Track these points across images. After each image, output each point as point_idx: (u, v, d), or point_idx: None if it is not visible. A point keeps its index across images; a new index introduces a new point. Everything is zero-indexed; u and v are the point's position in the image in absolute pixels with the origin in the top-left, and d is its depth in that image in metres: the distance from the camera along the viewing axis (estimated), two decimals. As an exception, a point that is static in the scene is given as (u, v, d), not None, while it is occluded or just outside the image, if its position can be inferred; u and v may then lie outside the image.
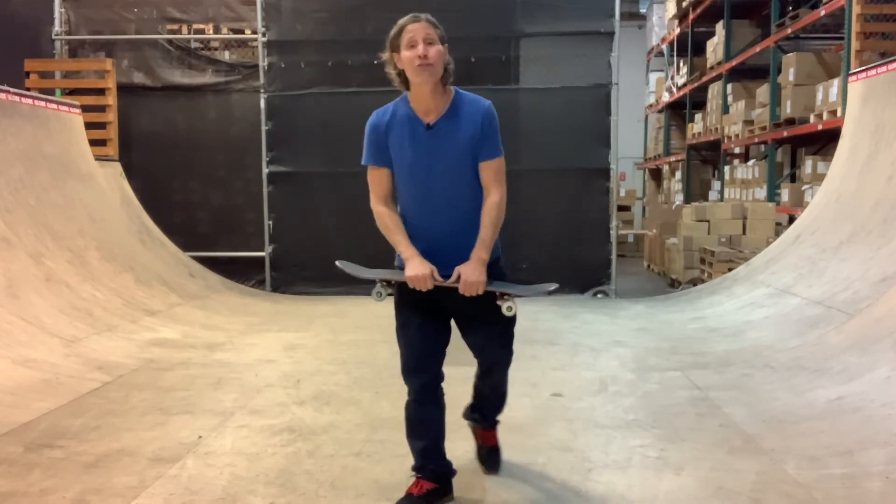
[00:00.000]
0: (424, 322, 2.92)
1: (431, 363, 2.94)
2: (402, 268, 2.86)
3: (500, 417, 3.38)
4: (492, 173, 2.88)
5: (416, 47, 2.73)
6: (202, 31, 9.60)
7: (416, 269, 2.77)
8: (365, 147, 2.92)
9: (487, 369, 3.14)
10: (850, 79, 7.52)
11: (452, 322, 3.03)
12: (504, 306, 2.83)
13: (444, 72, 2.82)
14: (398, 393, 4.49)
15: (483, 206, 2.87)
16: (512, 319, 2.96)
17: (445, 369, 2.96)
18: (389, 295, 2.92)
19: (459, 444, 3.55)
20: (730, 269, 8.21)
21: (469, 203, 2.88)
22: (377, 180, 2.93)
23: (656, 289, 9.61)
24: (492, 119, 2.87)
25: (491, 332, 2.99)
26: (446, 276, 2.81)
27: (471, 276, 2.78)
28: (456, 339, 3.09)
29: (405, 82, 2.85)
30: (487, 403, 3.28)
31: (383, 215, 2.90)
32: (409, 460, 3.12)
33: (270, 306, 7.97)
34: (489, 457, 3.35)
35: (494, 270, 2.92)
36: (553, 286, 2.97)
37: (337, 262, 3.04)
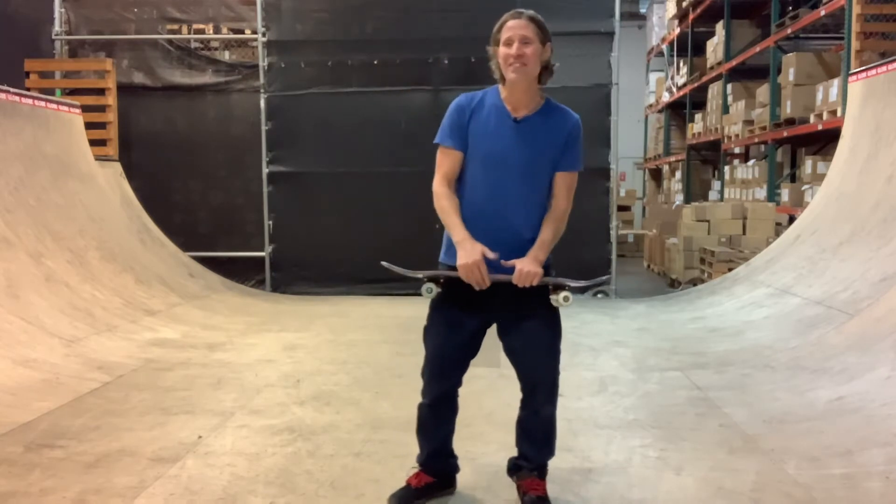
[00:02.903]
0: (459, 328, 2.84)
1: (454, 373, 2.91)
2: (448, 267, 2.81)
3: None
4: (565, 185, 2.84)
5: (511, 46, 2.72)
6: (202, 31, 9.60)
7: (467, 257, 2.66)
8: (444, 126, 2.85)
9: (530, 389, 2.92)
10: (850, 79, 7.52)
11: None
12: (560, 296, 2.76)
13: (543, 71, 2.82)
14: (398, 393, 4.51)
15: (549, 212, 2.83)
16: (557, 330, 2.88)
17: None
18: (439, 291, 2.82)
19: (467, 444, 3.55)
20: (730, 269, 8.20)
21: (532, 207, 2.82)
22: (447, 161, 2.84)
23: (656, 289, 9.61)
24: (579, 132, 2.85)
25: (534, 333, 2.85)
26: (496, 271, 2.71)
27: (527, 265, 2.69)
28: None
29: (503, 77, 2.80)
30: (533, 442, 2.97)
31: (442, 196, 2.81)
32: (410, 460, 3.13)
33: (270, 306, 7.96)
34: None
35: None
36: (605, 277, 2.84)
37: (383, 263, 2.96)
